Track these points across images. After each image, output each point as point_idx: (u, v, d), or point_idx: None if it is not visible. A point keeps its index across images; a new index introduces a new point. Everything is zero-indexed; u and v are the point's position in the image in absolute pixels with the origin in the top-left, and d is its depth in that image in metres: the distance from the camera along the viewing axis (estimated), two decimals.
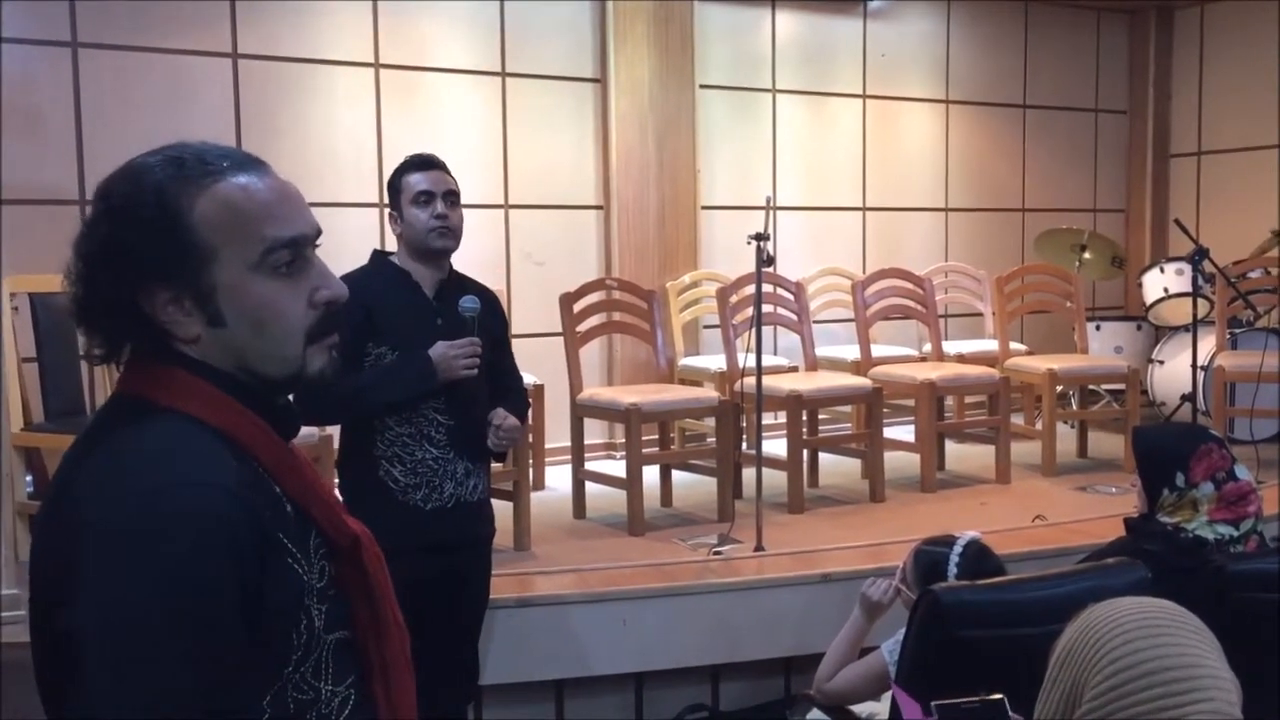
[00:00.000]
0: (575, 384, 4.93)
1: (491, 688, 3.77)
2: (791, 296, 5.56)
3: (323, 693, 1.28)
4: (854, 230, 7.19)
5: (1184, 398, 6.35)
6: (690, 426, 5.66)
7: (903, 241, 7.32)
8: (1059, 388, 5.91)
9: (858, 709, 2.91)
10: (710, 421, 5.07)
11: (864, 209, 7.21)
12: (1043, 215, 7.77)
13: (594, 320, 5.12)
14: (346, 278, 1.42)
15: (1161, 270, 6.80)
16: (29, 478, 4.26)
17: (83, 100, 5.02)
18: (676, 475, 5.15)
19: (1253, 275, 6.27)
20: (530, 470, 4.76)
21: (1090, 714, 1.41)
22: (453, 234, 3.10)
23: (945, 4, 7.47)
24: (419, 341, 3.00)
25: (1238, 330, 6.42)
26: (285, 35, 5.46)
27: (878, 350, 6.05)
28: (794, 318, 5.55)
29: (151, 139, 1.39)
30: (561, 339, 4.99)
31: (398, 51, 5.72)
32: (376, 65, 5.68)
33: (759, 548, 4.29)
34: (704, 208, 6.41)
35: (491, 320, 3.19)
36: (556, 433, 5.41)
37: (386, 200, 3.27)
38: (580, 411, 4.91)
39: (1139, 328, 7.16)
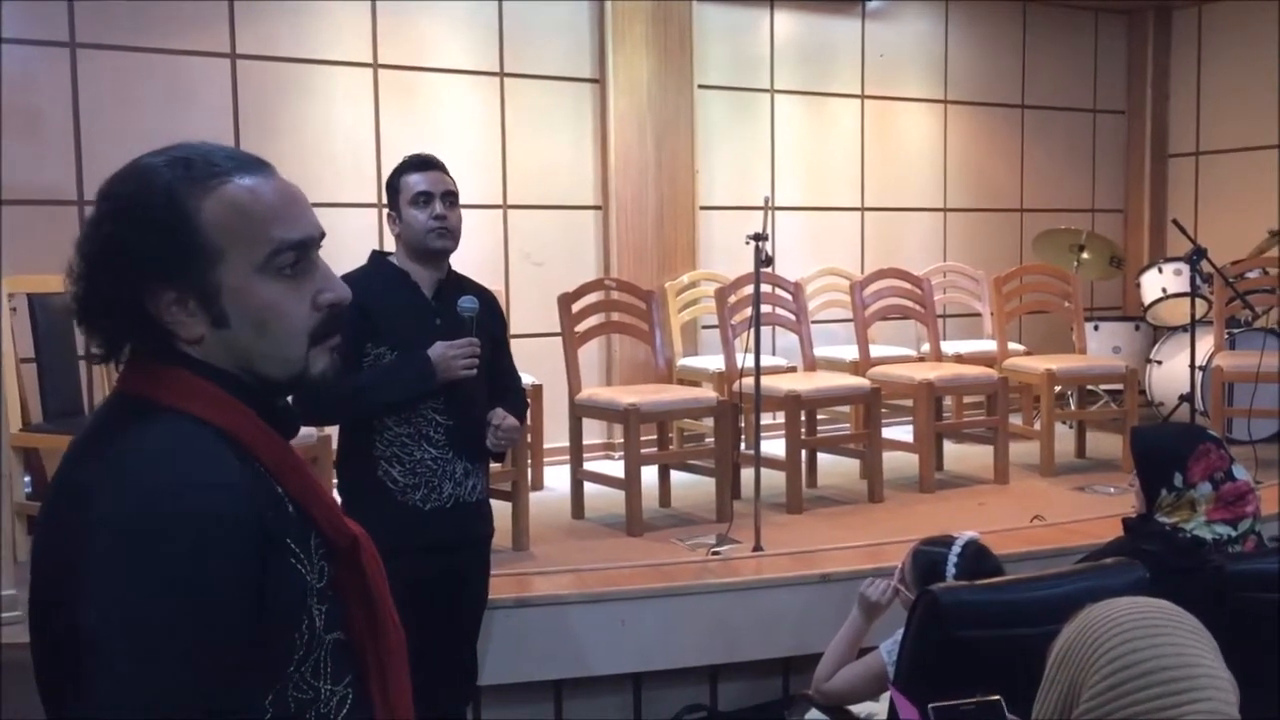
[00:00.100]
0: (574, 384, 4.93)
1: (490, 688, 3.78)
2: (790, 297, 5.56)
3: (322, 692, 1.29)
4: (852, 230, 7.19)
5: (1182, 398, 6.34)
6: (689, 427, 5.66)
7: (901, 242, 7.32)
8: (1057, 388, 5.91)
9: (856, 709, 2.91)
10: (709, 422, 5.08)
11: (862, 209, 7.22)
12: (1041, 215, 7.77)
13: (592, 320, 5.13)
14: (345, 278, 1.42)
15: (1160, 270, 6.81)
16: (27, 478, 4.26)
17: (81, 101, 5.02)
18: (675, 475, 5.15)
19: (1251, 275, 6.27)
20: (529, 470, 4.76)
21: (1088, 714, 1.41)
22: (451, 235, 3.10)
23: (943, 4, 7.48)
24: (418, 342, 3.00)
25: (1236, 330, 6.42)
26: (284, 35, 5.46)
27: (876, 350, 6.06)
28: (792, 318, 5.55)
29: (150, 139, 1.39)
30: (560, 339, 5.00)
31: (396, 52, 5.72)
32: (375, 65, 5.68)
33: (757, 548, 4.29)
34: (702, 208, 6.41)
35: (490, 320, 3.20)
36: (555, 433, 5.41)
37: (385, 200, 3.27)
38: (579, 412, 4.91)
39: (1137, 328, 7.17)
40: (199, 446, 1.22)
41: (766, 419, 5.01)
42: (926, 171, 7.48)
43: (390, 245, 3.28)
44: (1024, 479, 5.59)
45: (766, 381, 4.68)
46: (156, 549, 1.14)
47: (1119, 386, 6.18)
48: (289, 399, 1.39)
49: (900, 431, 5.94)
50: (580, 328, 5.03)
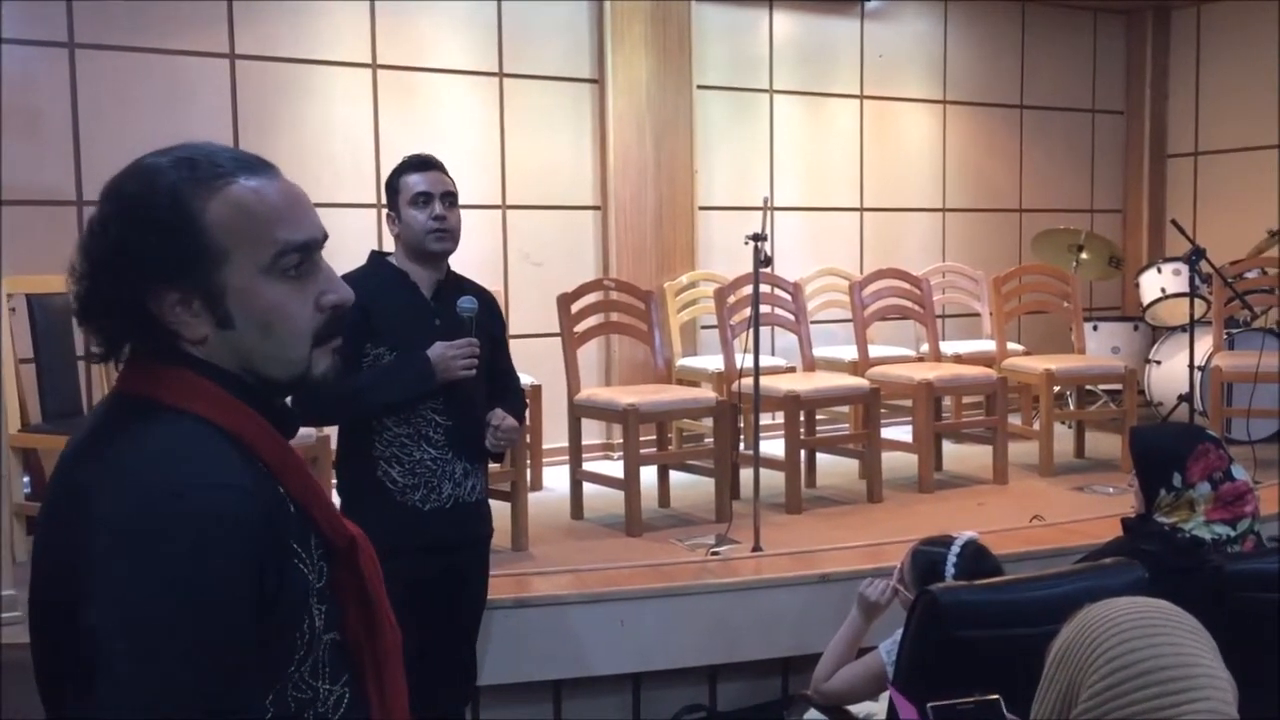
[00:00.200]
0: (573, 384, 4.93)
1: (489, 688, 3.78)
2: (789, 297, 5.56)
3: (320, 691, 1.29)
4: (851, 231, 7.19)
5: (1181, 398, 6.35)
6: (688, 427, 5.66)
7: (900, 242, 7.32)
8: (1056, 388, 5.92)
9: (855, 709, 2.92)
10: (708, 422, 5.08)
11: (861, 209, 7.22)
12: (1040, 215, 7.78)
13: (592, 321, 5.13)
14: (344, 278, 1.42)
15: (1159, 270, 6.81)
16: (26, 478, 4.25)
17: (80, 101, 5.02)
18: (674, 476, 5.15)
19: (1249, 275, 6.27)
20: (528, 471, 4.76)
21: (1086, 714, 1.41)
22: (450, 236, 3.10)
23: (942, 4, 7.48)
24: (417, 342, 3.01)
25: (1235, 330, 6.42)
26: (283, 36, 5.46)
27: (875, 350, 6.06)
28: (792, 318, 5.56)
29: (149, 139, 1.39)
30: (559, 339, 5.00)
31: (395, 52, 5.72)
32: (374, 66, 5.68)
33: (757, 548, 4.29)
34: (701, 208, 6.41)
35: (489, 320, 3.20)
36: (554, 433, 5.41)
37: (384, 201, 3.27)
38: (578, 412, 4.91)
39: (1136, 328, 7.17)
40: (204, 447, 1.22)
41: (765, 419, 5.01)
42: (925, 172, 7.48)
43: (388, 245, 3.28)
44: (1023, 479, 5.60)
45: (765, 382, 4.68)
46: (160, 549, 1.14)
47: (1118, 386, 6.18)
48: (288, 399, 1.39)
49: (899, 431, 5.94)
50: (579, 328, 5.03)
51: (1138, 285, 6.98)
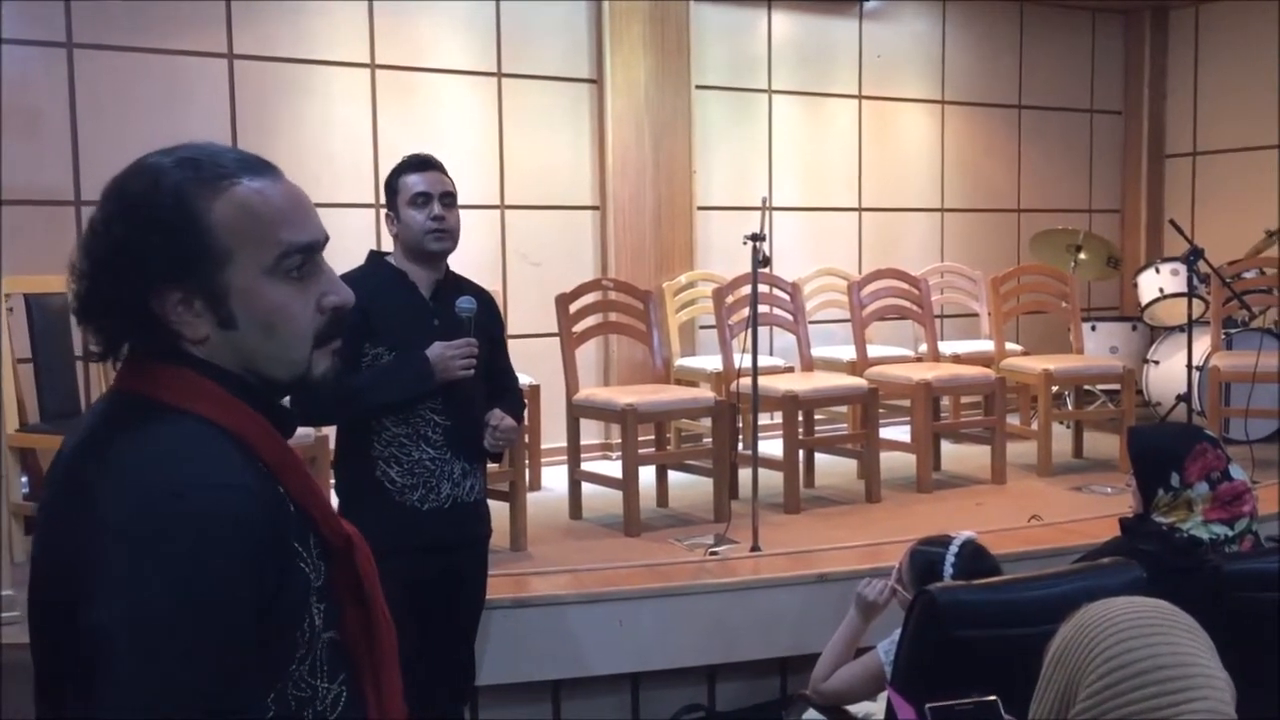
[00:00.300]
0: (571, 384, 4.93)
1: (488, 688, 3.78)
2: (788, 297, 5.56)
3: (319, 690, 1.29)
4: (850, 231, 7.20)
5: (1179, 398, 6.35)
6: (686, 427, 5.66)
7: (898, 242, 7.32)
8: (1054, 388, 5.92)
9: (854, 709, 2.92)
10: (706, 422, 5.08)
11: (860, 209, 7.22)
12: (1038, 216, 7.78)
13: (590, 321, 5.13)
14: (343, 278, 1.42)
15: (1157, 271, 6.81)
16: (24, 478, 4.25)
17: (79, 101, 5.02)
18: (673, 475, 5.15)
19: (1248, 275, 6.28)
20: (526, 471, 4.76)
21: (1084, 714, 1.41)
22: (449, 236, 3.10)
23: (940, 4, 7.48)
24: (416, 342, 3.01)
25: (1233, 330, 6.43)
26: (281, 36, 5.46)
27: (874, 350, 6.06)
28: (790, 318, 5.56)
29: (148, 140, 1.39)
30: (558, 339, 5.00)
31: (394, 52, 5.72)
32: (373, 66, 5.68)
33: (755, 548, 4.29)
34: (700, 208, 6.41)
35: (488, 320, 3.20)
36: (553, 433, 5.41)
37: (383, 201, 3.27)
38: (576, 412, 4.91)
39: (1134, 328, 7.17)
40: (206, 447, 1.22)
41: (764, 419, 5.01)
42: (924, 172, 7.48)
43: (387, 245, 3.28)
44: (1021, 479, 5.60)
45: (764, 382, 4.68)
46: (163, 549, 1.14)
47: (1116, 386, 6.19)
48: (286, 399, 1.39)
49: (898, 431, 5.94)
50: (578, 328, 5.03)
51: (1136, 285, 6.99)
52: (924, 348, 6.11)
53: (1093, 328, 7.08)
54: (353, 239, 5.10)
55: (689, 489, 5.11)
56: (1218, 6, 7.88)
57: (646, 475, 4.89)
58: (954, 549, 2.80)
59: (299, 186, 1.33)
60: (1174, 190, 8.23)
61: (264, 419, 1.28)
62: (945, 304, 7.11)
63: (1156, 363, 6.80)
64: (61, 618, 1.18)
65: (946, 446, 5.99)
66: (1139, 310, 6.97)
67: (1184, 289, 5.93)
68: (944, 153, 7.55)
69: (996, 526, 4.52)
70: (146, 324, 1.26)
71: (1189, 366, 5.69)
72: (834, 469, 5.65)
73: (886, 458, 5.32)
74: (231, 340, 1.28)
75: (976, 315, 6.93)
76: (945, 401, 6.27)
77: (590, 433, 5.54)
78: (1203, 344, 6.11)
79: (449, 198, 3.12)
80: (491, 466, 3.65)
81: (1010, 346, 6.40)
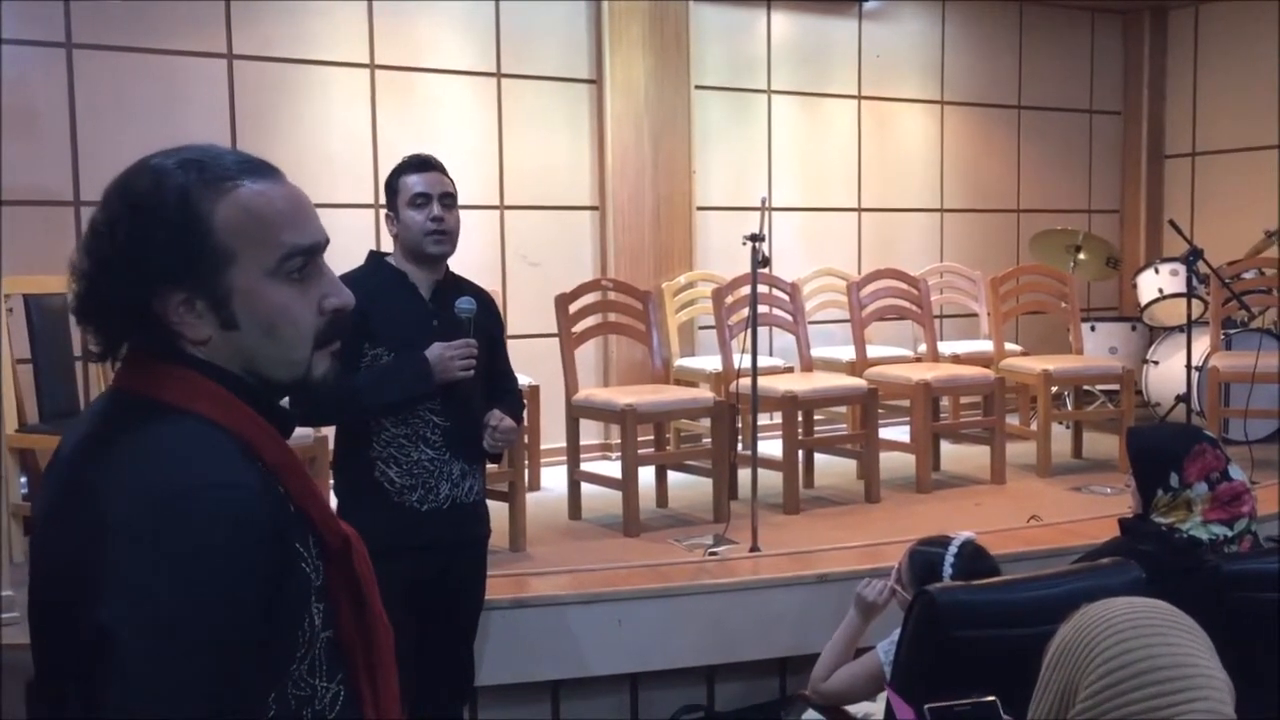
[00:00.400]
0: (571, 385, 4.93)
1: (487, 688, 3.77)
2: (787, 297, 5.56)
3: (318, 689, 1.30)
4: (849, 231, 7.20)
5: (1178, 398, 6.36)
6: (686, 427, 5.66)
7: (898, 242, 7.33)
8: (1054, 388, 5.92)
9: (853, 709, 2.92)
10: (706, 422, 5.07)
11: (859, 210, 7.22)
12: (1037, 216, 7.78)
13: (589, 321, 5.13)
14: (343, 278, 1.43)
15: (1156, 271, 6.81)
16: (23, 479, 4.25)
17: (78, 101, 5.02)
18: (672, 476, 5.15)
19: (1247, 276, 6.29)
20: (526, 471, 4.76)
21: (1083, 714, 1.41)
22: (449, 238, 3.10)
23: (940, 5, 7.49)
24: (415, 343, 3.00)
25: (1232, 331, 6.43)
26: (280, 36, 5.46)
27: (873, 351, 6.06)
28: (789, 318, 5.56)
29: (147, 140, 1.39)
30: (557, 340, 5.00)
31: (393, 52, 5.72)
32: (372, 66, 5.68)
33: (754, 548, 4.29)
34: (699, 208, 6.41)
35: (488, 321, 3.20)
36: (552, 433, 5.41)
37: (383, 201, 3.27)
38: (576, 412, 4.91)
39: (1134, 328, 7.18)
40: (210, 447, 1.22)
41: (763, 419, 5.01)
42: (923, 172, 7.48)
43: (386, 245, 3.28)
44: (1021, 479, 5.60)
45: (763, 382, 4.68)
46: (173, 550, 1.14)
47: (1115, 387, 6.19)
48: (285, 400, 1.39)
49: (897, 432, 5.94)
50: (577, 328, 5.03)
51: (1135, 286, 6.99)
52: (923, 348, 6.11)
53: (1092, 328, 7.08)
54: (352, 239, 5.09)
55: (688, 489, 5.11)
56: (1217, 6, 7.89)
57: (646, 475, 4.89)
58: (953, 549, 2.80)
59: (300, 189, 1.33)
60: (1173, 190, 8.23)
61: (264, 420, 1.29)
62: (944, 304, 7.11)
63: (1156, 363, 6.80)
64: (62, 618, 1.18)
65: (946, 447, 5.99)
66: (1138, 310, 6.98)
67: (1183, 289, 5.93)
68: (943, 153, 7.55)
69: (996, 527, 4.52)
70: (147, 324, 1.26)
71: (1188, 367, 5.69)
72: (833, 469, 5.65)
73: (886, 458, 5.32)
74: (233, 341, 1.28)
75: (976, 315, 6.94)
76: (945, 402, 6.27)
77: (590, 433, 5.54)
78: (1202, 344, 6.11)
79: (449, 199, 3.11)
80: (491, 467, 3.65)
81: (1010, 347, 6.40)
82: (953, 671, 2.19)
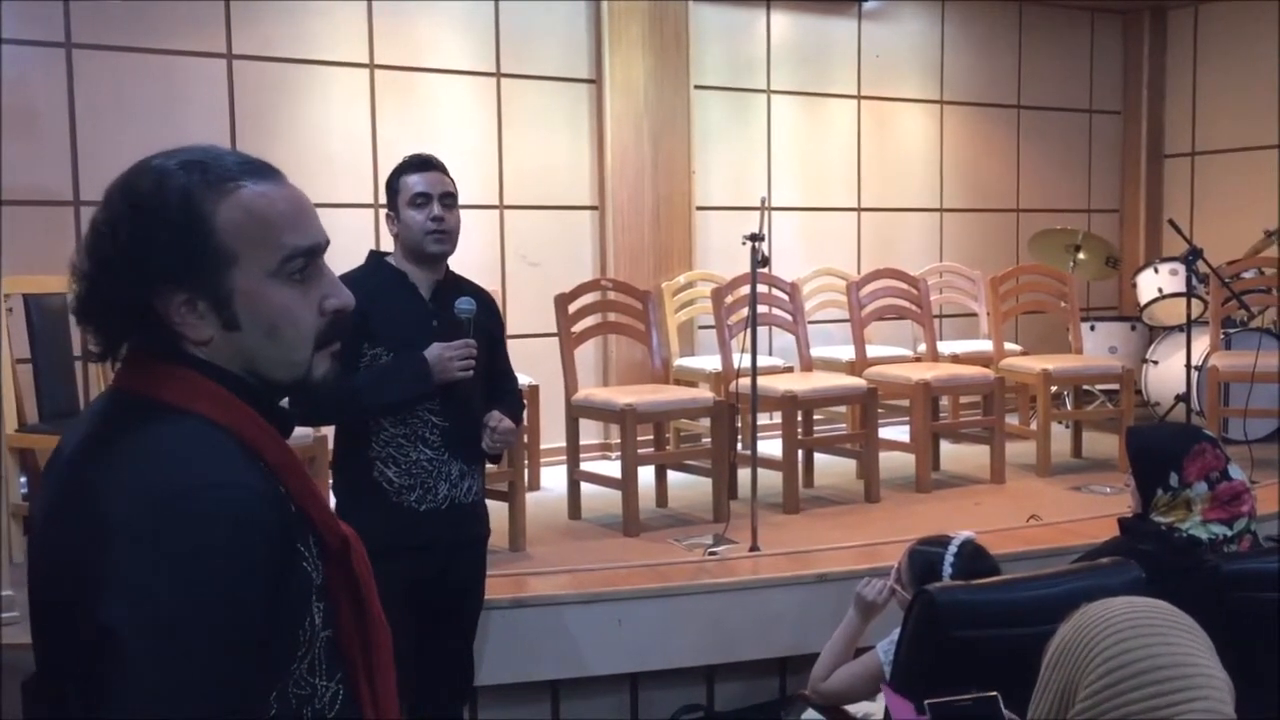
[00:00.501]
0: (570, 384, 4.93)
1: (487, 688, 3.78)
2: (786, 297, 5.56)
3: (318, 688, 1.30)
4: (849, 231, 7.20)
5: (1178, 398, 6.36)
6: (685, 427, 5.66)
7: (897, 242, 7.33)
8: (1053, 388, 5.92)
9: (853, 709, 2.92)
10: (705, 422, 5.08)
11: (859, 209, 7.22)
12: (1037, 216, 7.79)
13: (589, 321, 5.13)
14: (343, 277, 1.43)
15: (1155, 270, 6.81)
16: (23, 479, 4.25)
17: (77, 101, 5.01)
18: (672, 476, 5.15)
19: (1246, 275, 6.29)
20: (525, 471, 4.76)
21: (1083, 714, 1.41)
22: (449, 237, 3.10)
23: (939, 5, 7.49)
24: (415, 343, 3.00)
25: (1232, 330, 6.43)
26: (280, 36, 5.46)
27: (873, 350, 6.06)
28: (789, 318, 5.56)
29: (146, 140, 1.40)
30: (557, 339, 5.00)
31: (393, 52, 5.72)
32: (371, 66, 5.68)
33: (754, 548, 4.29)
34: (699, 208, 6.41)
35: (488, 321, 3.19)
36: (552, 433, 5.41)
37: (383, 200, 3.27)
38: (575, 412, 4.91)
39: (1133, 328, 7.18)
40: (211, 447, 1.23)
41: (763, 419, 5.01)
42: (923, 172, 7.48)
43: (386, 245, 3.27)
44: (1020, 479, 5.60)
45: (763, 382, 4.68)
46: (173, 550, 1.15)
47: (1115, 386, 6.19)
48: (284, 400, 1.40)
49: (897, 431, 5.94)
50: (577, 328, 5.03)
51: (1135, 285, 6.99)
52: (923, 348, 6.11)
53: (1091, 328, 7.08)
54: (351, 239, 5.09)
55: (688, 489, 5.11)
56: (1217, 6, 7.89)
57: (646, 475, 4.89)
58: (953, 549, 2.80)
59: (300, 190, 1.34)
60: (1173, 190, 8.23)
61: (264, 420, 1.29)
62: (944, 304, 7.12)
63: (1155, 362, 6.80)
64: (62, 618, 1.18)
65: (945, 446, 5.99)
66: (1138, 310, 6.98)
67: (1183, 289, 5.93)
68: (943, 153, 7.55)
69: (995, 526, 4.52)
70: (148, 325, 1.26)
71: (1188, 366, 5.69)
72: (833, 469, 5.65)
73: (885, 458, 5.32)
74: (234, 342, 1.29)
75: (975, 315, 6.94)
76: (944, 401, 6.27)
77: (589, 433, 5.54)
78: (1201, 344, 6.11)
79: (449, 198, 3.11)
80: (491, 467, 3.65)
81: (1009, 346, 6.41)
82: (952, 671, 2.19)
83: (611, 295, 5.22)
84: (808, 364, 5.61)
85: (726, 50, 6.68)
